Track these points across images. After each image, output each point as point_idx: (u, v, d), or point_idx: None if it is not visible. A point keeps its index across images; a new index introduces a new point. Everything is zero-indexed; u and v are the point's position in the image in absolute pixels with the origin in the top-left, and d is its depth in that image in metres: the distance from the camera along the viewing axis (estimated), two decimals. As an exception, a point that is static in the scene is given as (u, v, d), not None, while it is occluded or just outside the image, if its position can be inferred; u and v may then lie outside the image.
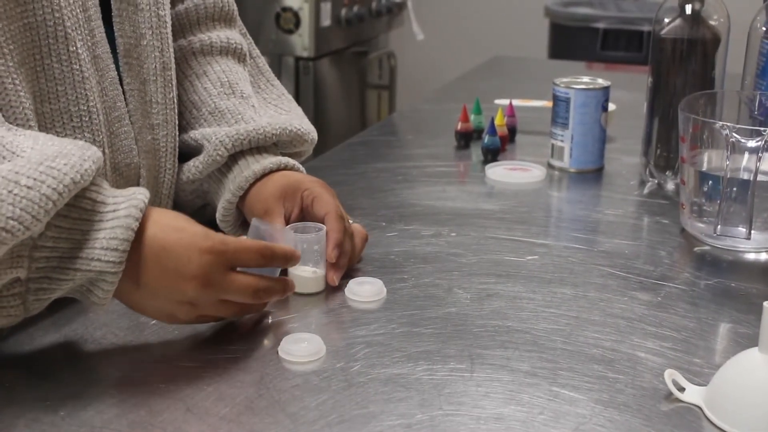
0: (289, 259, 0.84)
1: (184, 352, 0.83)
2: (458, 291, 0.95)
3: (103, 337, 0.85)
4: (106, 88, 0.91)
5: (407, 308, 0.91)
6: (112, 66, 0.92)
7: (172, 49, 0.99)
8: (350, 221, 0.98)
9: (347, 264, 0.95)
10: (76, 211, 0.74)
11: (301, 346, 0.82)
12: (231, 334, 0.86)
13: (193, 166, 1.01)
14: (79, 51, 0.86)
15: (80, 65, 0.86)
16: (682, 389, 0.76)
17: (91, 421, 0.72)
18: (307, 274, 0.93)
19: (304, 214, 0.97)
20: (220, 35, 1.09)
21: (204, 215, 1.06)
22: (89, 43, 0.88)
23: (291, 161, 1.02)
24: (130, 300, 0.79)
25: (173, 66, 1.00)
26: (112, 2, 0.92)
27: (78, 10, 0.86)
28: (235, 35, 1.12)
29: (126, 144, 0.93)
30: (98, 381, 0.78)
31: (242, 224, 1.03)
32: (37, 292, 0.74)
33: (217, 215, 1.02)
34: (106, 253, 0.73)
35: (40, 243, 0.72)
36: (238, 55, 1.11)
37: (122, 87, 0.94)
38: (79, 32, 0.87)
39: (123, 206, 0.75)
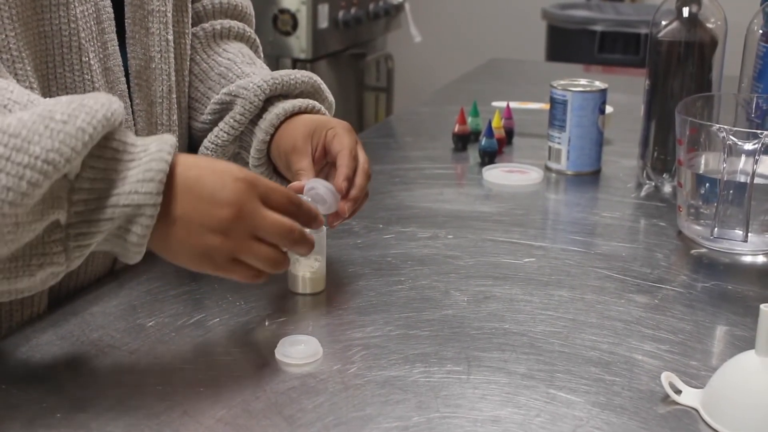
0: (313, 219, 0.84)
1: (181, 354, 0.83)
2: (455, 293, 0.95)
3: (99, 339, 0.85)
4: None
5: (404, 310, 0.91)
6: (123, 79, 0.93)
7: (174, 73, 1.01)
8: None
9: (359, 198, 0.94)
10: (109, 151, 0.74)
11: (298, 348, 0.82)
12: (228, 336, 0.86)
13: (231, 118, 1.01)
14: (92, 62, 0.87)
15: (91, 76, 0.87)
16: (678, 392, 0.76)
17: (88, 423, 0.72)
18: (306, 272, 0.93)
19: (325, 151, 0.97)
20: (238, 24, 1.12)
21: None
22: (101, 55, 0.89)
23: (318, 104, 1.03)
24: (164, 243, 0.77)
25: (176, 89, 1.01)
26: (126, 24, 0.94)
27: (92, 22, 0.88)
28: (250, 30, 1.15)
29: None
30: (95, 383, 0.78)
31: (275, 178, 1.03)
32: (78, 238, 0.73)
33: (250, 162, 1.01)
34: (143, 185, 0.73)
35: (77, 185, 0.72)
36: (253, 45, 1.14)
37: (132, 107, 0.95)
38: (92, 44, 0.88)
39: (153, 144, 0.75)
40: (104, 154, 0.74)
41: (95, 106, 0.72)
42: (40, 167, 0.68)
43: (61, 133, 0.69)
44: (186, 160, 0.78)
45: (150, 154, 0.74)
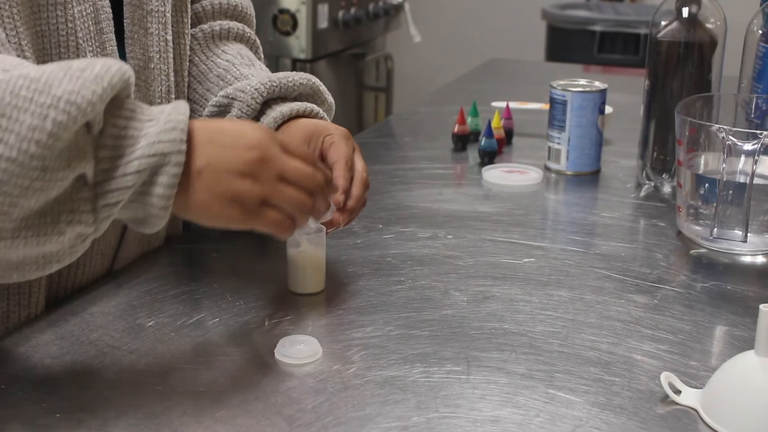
0: (329, 179, 0.84)
1: (180, 354, 0.83)
2: (455, 293, 0.95)
3: (99, 338, 0.85)
4: None
5: (404, 310, 0.91)
6: None
7: (173, 73, 1.01)
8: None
9: (356, 208, 0.94)
10: (126, 111, 0.74)
11: (297, 348, 0.82)
12: (227, 336, 0.86)
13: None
14: None
15: None
16: (678, 392, 0.76)
17: (87, 423, 0.72)
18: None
19: (322, 157, 0.96)
20: (237, 24, 1.13)
21: None
22: (99, 55, 0.89)
23: (316, 108, 1.03)
24: (188, 198, 0.75)
25: (175, 89, 1.01)
26: (125, 24, 0.94)
27: (90, 23, 0.88)
28: (249, 31, 1.15)
29: None
30: (94, 383, 0.78)
31: None
32: (105, 196, 0.73)
33: None
34: (167, 134, 0.73)
35: (101, 142, 0.72)
36: (253, 46, 1.15)
37: None
38: (90, 44, 0.88)
39: (169, 106, 0.76)
40: (123, 113, 0.74)
41: (109, 61, 0.73)
42: (63, 107, 0.68)
43: (80, 78, 0.70)
44: (202, 121, 0.79)
45: (166, 112, 0.75)
